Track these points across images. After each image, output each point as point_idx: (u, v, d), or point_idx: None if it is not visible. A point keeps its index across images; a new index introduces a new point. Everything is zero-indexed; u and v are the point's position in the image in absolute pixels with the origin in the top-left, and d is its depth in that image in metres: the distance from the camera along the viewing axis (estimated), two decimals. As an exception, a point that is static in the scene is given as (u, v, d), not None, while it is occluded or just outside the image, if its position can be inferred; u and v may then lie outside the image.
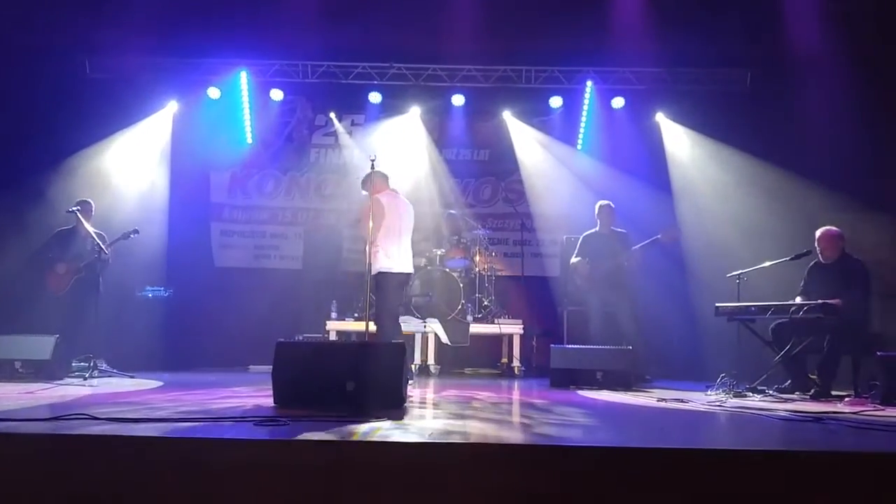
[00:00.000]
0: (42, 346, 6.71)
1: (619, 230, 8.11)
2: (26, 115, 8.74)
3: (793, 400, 5.99)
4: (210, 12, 8.69)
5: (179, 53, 9.71)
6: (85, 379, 6.44)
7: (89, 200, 7.82)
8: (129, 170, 9.47)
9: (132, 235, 7.48)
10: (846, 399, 5.78)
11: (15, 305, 7.66)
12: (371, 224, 6.29)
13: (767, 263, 6.74)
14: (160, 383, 6.42)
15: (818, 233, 6.72)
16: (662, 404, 5.50)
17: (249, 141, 10.32)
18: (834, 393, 6.14)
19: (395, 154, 10.10)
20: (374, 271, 6.43)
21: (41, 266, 7.58)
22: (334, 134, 10.46)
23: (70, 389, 5.77)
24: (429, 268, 8.89)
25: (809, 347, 6.31)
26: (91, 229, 7.46)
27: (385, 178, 6.79)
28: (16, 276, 8.05)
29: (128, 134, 9.57)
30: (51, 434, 3.08)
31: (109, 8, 8.49)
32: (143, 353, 8.20)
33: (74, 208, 7.47)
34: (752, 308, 6.42)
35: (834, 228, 6.69)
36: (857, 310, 6.25)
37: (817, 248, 6.69)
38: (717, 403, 5.50)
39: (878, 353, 5.74)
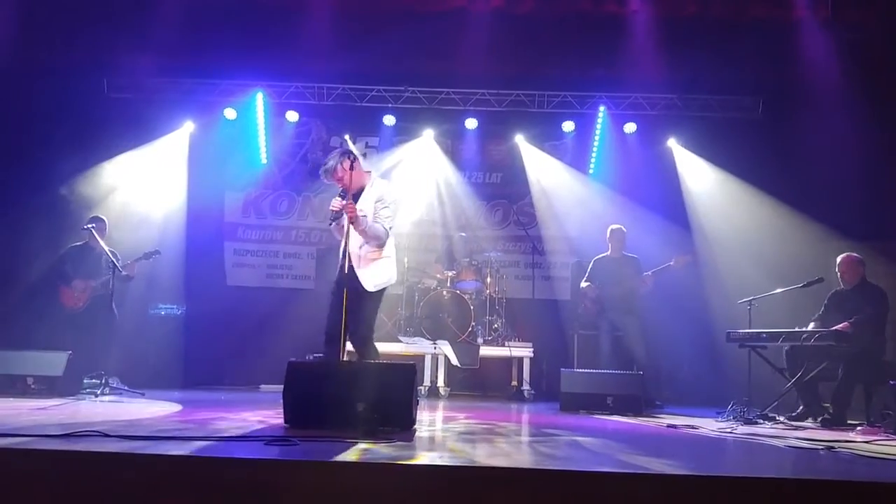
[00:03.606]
0: (55, 362, 6.73)
1: (630, 255, 8.13)
2: (46, 133, 8.87)
3: (804, 428, 5.96)
4: (228, 34, 8.81)
5: (197, 74, 9.83)
6: (97, 396, 6.47)
7: (103, 217, 7.88)
8: (146, 188, 9.55)
9: (154, 256, 7.55)
10: (858, 428, 5.73)
11: (29, 321, 7.71)
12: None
13: (779, 290, 6.74)
14: (171, 401, 6.43)
15: (839, 258, 6.70)
16: (673, 430, 5.48)
17: (264, 161, 10.41)
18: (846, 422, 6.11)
19: (409, 176, 10.19)
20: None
21: (54, 282, 7.63)
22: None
23: (82, 406, 5.80)
24: (440, 289, 8.91)
25: (822, 374, 6.28)
26: (105, 246, 7.49)
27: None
28: (31, 291, 8.12)
29: (145, 153, 9.67)
30: (62, 450, 3.08)
31: (128, 29, 8.63)
32: (155, 370, 8.26)
33: (89, 225, 7.53)
34: (764, 335, 6.41)
35: (855, 254, 6.66)
36: (871, 335, 6.22)
37: (837, 274, 6.67)
38: (728, 430, 5.48)
39: (892, 382, 5.70)
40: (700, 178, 9.80)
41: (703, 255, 9.09)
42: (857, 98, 8.01)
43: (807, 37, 8.46)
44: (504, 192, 10.61)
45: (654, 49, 8.59)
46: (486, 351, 8.69)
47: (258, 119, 10.13)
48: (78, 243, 7.80)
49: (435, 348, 8.58)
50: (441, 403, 7.68)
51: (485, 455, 3.51)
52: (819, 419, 6.19)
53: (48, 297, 7.67)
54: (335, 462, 3.02)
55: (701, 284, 8.89)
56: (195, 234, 9.77)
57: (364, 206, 5.30)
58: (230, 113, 9.99)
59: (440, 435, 4.49)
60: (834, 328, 6.12)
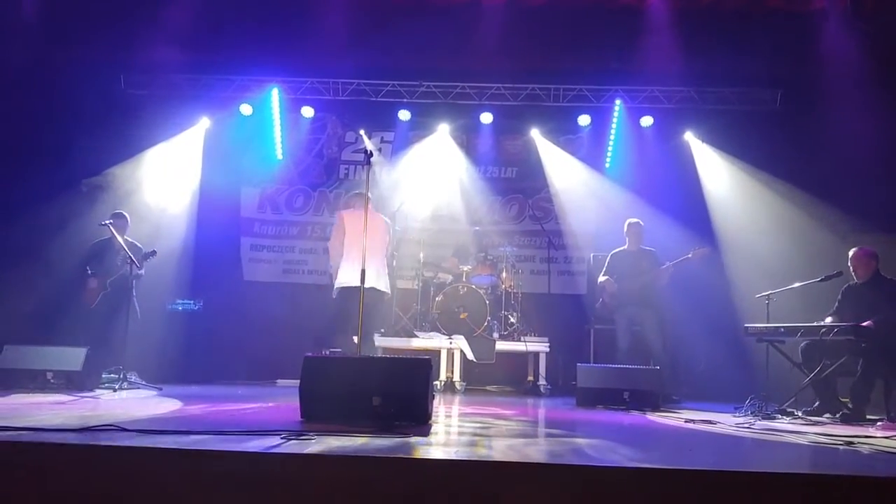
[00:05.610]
0: (73, 357, 6.79)
1: (648, 248, 8.08)
2: (63, 130, 8.93)
3: (823, 423, 5.90)
4: (243, 30, 8.84)
5: (212, 70, 9.88)
6: (115, 390, 6.52)
7: (123, 213, 7.92)
8: (162, 184, 9.61)
9: (150, 257, 7.56)
10: (878, 423, 5.67)
11: (50, 316, 7.77)
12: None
13: (797, 284, 6.67)
14: (188, 396, 6.46)
15: (851, 252, 6.63)
16: (690, 425, 5.45)
17: (280, 157, 10.46)
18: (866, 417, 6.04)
19: (423, 170, 10.19)
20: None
21: (80, 278, 7.68)
22: (363, 151, 10.54)
23: (100, 401, 5.85)
24: (455, 284, 8.91)
25: (840, 369, 6.21)
26: (122, 241, 7.46)
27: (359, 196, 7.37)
28: (53, 287, 8.18)
29: (161, 149, 9.73)
30: (81, 444, 3.12)
31: (144, 25, 8.67)
32: (173, 365, 8.31)
33: (108, 221, 7.57)
34: (782, 329, 6.34)
35: (867, 248, 6.60)
36: (891, 331, 6.14)
37: (850, 268, 6.60)
38: (746, 425, 5.44)
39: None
40: (717, 171, 9.74)
41: (721, 249, 9.03)
42: (877, 89, 7.91)
43: (825, 28, 8.37)
44: (519, 187, 10.59)
45: (671, 41, 8.52)
46: (501, 346, 8.67)
47: (274, 114, 10.19)
48: (99, 240, 7.84)
49: (451, 343, 8.58)
50: (457, 398, 7.68)
51: (500, 450, 3.50)
52: (838, 414, 6.13)
53: (70, 293, 7.72)
54: (351, 456, 3.03)
55: (718, 278, 8.82)
56: (211, 229, 9.84)
57: None
58: (246, 109, 10.04)
59: (456, 429, 4.48)
60: (855, 324, 6.03)
